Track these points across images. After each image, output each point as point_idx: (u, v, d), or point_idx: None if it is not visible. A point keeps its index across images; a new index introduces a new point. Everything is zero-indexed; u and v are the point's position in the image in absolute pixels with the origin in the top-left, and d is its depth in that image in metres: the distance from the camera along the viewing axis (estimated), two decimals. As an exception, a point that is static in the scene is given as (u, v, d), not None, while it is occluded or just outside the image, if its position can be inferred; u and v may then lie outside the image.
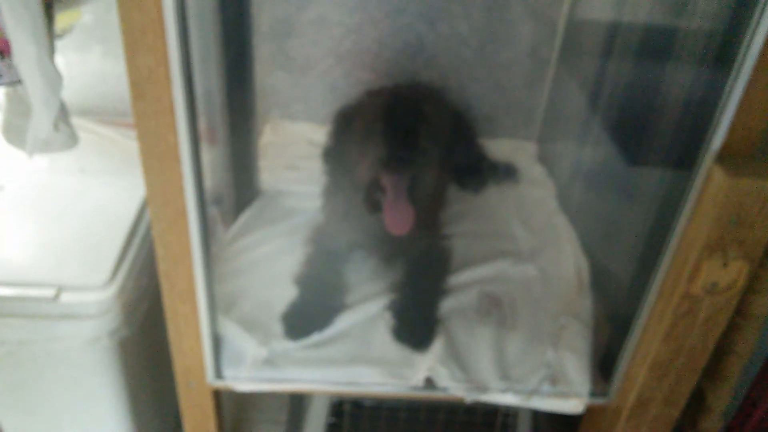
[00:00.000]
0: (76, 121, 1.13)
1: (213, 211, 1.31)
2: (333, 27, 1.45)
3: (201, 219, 0.85)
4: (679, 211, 0.85)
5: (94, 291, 1.00)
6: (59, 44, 1.05)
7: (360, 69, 1.51)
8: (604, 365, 1.06)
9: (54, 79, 0.93)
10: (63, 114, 0.99)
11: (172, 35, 0.71)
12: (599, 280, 1.21)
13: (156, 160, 0.79)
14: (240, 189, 1.33)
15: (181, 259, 0.88)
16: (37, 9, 0.86)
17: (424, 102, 1.06)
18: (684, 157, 0.85)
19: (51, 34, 0.94)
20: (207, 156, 1.20)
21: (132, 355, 1.07)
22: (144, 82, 0.73)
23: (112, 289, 1.01)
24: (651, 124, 1.06)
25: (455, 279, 1.19)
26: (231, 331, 1.04)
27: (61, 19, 1.01)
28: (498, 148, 1.53)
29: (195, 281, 0.90)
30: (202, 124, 0.88)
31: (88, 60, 1.41)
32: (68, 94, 1.07)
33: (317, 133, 1.52)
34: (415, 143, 1.00)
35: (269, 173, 1.43)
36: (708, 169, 0.80)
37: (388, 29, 1.46)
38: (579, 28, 1.44)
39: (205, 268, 0.90)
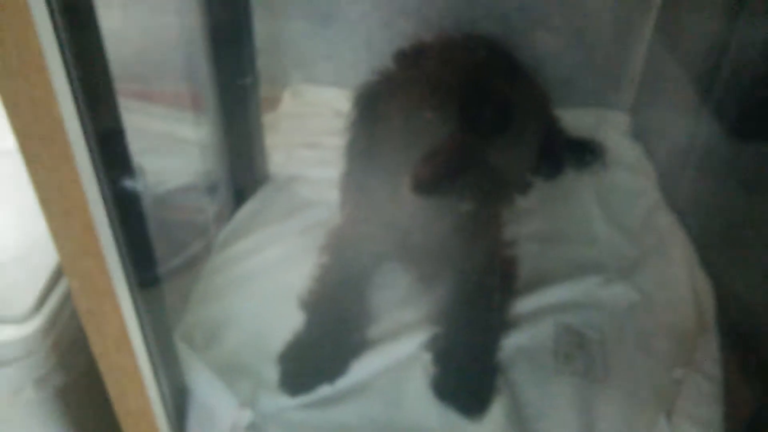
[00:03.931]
0: None
1: (205, 205, 1.06)
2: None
3: (123, 235, 0.56)
4: None
5: (12, 326, 0.74)
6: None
7: (403, 17, 1.29)
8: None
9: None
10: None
11: None
12: (731, 311, 0.91)
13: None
14: (239, 174, 1.08)
15: (104, 293, 0.59)
16: None
17: (492, 67, 0.78)
18: None
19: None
20: (192, 131, 0.96)
21: (75, 408, 0.82)
22: None
23: (36, 323, 0.74)
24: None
25: (521, 305, 0.91)
26: (203, 383, 0.77)
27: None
28: (579, 119, 1.27)
29: (126, 323, 0.61)
30: (183, 87, 0.76)
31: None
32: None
33: (347, 102, 1.29)
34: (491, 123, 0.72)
35: (282, 153, 1.18)
36: None
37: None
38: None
39: (139, 304, 0.61)
